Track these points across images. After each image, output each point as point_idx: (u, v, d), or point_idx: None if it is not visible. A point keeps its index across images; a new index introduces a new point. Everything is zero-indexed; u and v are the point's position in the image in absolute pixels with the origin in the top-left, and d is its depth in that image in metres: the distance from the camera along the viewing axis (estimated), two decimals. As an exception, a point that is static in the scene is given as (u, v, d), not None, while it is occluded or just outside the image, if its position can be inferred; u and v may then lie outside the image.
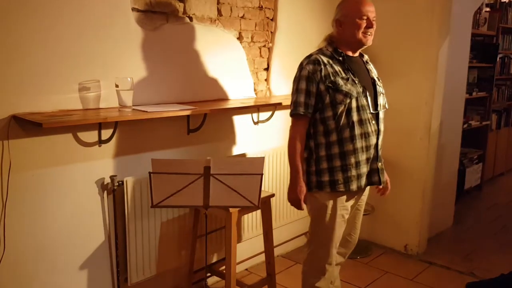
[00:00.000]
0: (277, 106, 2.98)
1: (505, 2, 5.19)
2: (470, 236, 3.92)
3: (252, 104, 2.84)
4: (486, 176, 5.24)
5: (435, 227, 3.79)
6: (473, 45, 4.20)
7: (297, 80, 2.16)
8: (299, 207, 2.17)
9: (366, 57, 2.34)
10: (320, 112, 2.13)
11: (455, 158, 4.05)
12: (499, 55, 5.20)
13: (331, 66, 2.13)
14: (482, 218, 4.38)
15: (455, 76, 3.71)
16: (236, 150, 2.98)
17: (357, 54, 2.26)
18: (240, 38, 2.94)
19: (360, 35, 2.14)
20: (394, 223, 3.57)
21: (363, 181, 2.22)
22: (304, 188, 2.16)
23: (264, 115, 3.10)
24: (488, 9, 5.01)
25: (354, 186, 2.18)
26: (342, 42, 2.20)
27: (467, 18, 3.85)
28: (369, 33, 2.16)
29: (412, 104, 3.36)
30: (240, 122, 2.99)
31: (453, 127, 3.87)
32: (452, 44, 3.44)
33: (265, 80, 3.18)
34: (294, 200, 2.17)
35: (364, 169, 2.20)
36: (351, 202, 2.27)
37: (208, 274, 2.82)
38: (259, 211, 2.82)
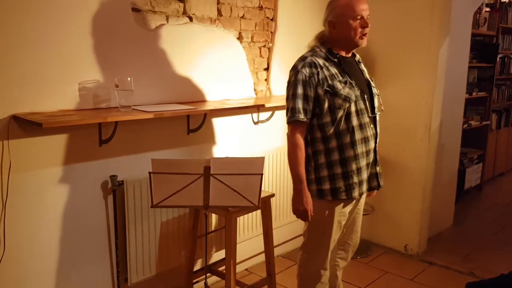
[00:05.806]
0: (277, 106, 2.98)
1: (505, 2, 5.19)
2: (470, 236, 3.93)
3: (252, 104, 2.84)
4: (486, 176, 5.24)
5: (435, 227, 3.79)
6: (473, 45, 4.20)
7: (292, 84, 2.03)
8: (306, 218, 2.07)
9: (358, 56, 2.24)
10: (318, 118, 2.05)
11: (455, 158, 4.05)
12: (499, 55, 5.20)
13: (327, 69, 2.04)
14: (482, 218, 4.38)
15: (455, 76, 3.70)
16: (236, 150, 2.98)
17: (350, 54, 2.17)
18: (240, 38, 2.94)
19: (357, 37, 2.05)
20: (394, 223, 3.57)
21: (364, 187, 2.17)
22: (310, 199, 2.06)
23: (264, 115, 3.10)
24: (488, 9, 5.01)
25: (356, 194, 2.12)
26: (336, 42, 2.11)
27: (467, 18, 3.85)
28: (364, 33, 2.05)
29: (412, 104, 3.36)
30: (240, 122, 2.99)
31: (453, 127, 3.87)
32: (452, 44, 3.44)
33: (265, 80, 3.18)
34: (301, 211, 2.06)
35: (365, 175, 2.14)
36: (349, 207, 2.21)
37: (208, 274, 2.81)
38: (259, 211, 2.82)
